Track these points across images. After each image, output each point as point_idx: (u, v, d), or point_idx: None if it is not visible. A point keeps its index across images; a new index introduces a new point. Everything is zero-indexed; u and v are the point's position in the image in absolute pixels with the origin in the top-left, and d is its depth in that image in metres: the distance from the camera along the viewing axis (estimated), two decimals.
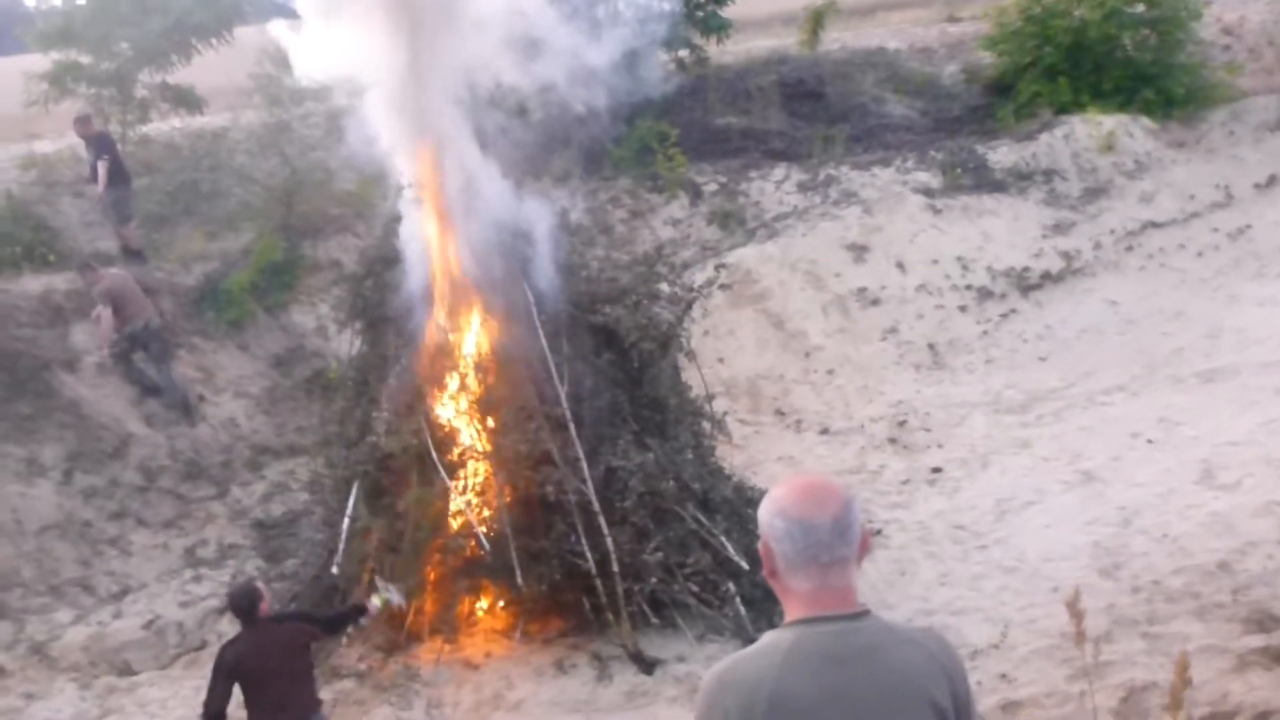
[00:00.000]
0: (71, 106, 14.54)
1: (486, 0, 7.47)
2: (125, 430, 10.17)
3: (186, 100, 15.47)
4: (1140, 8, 16.76)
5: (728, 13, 17.33)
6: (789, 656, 2.23)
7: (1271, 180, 15.61)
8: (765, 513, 2.34)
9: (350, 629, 6.63)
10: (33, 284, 11.17)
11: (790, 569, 2.29)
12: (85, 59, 15.02)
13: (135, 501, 9.72)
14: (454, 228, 7.40)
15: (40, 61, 15.21)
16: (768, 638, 2.31)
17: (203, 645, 8.01)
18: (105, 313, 10.26)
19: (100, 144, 12.35)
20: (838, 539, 2.27)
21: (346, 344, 9.45)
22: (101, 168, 12.17)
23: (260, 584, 6.10)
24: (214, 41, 15.25)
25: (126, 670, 7.82)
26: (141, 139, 15.09)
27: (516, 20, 7.63)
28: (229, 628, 8.11)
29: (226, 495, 10.02)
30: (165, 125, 15.58)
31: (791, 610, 2.31)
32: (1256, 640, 6.44)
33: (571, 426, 7.33)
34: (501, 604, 7.53)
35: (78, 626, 8.26)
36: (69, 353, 10.55)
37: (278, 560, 8.82)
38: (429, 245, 7.43)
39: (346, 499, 7.65)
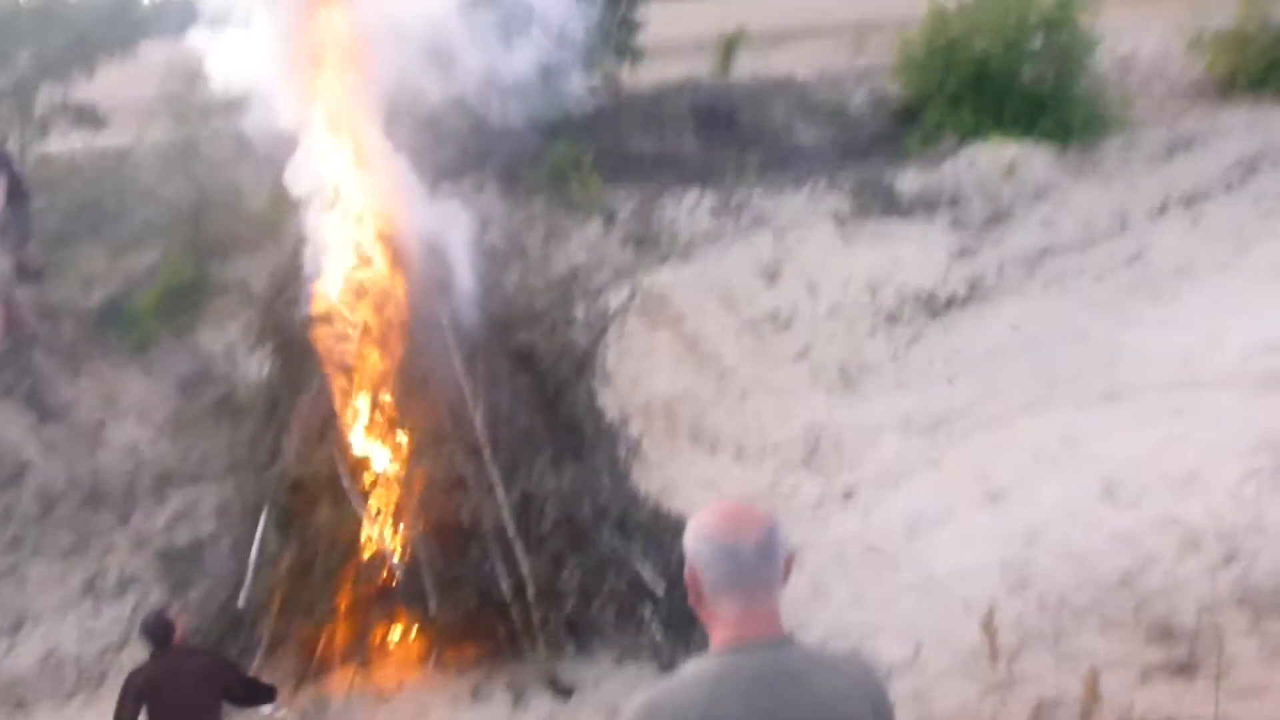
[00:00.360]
0: None
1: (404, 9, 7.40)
2: (21, 457, 9.82)
3: (88, 117, 15.05)
4: (1038, 41, 17.30)
5: (642, 39, 17.45)
6: (717, 682, 2.23)
7: (1164, 207, 16.18)
8: (690, 539, 2.35)
9: (255, 707, 6.23)
10: None
11: (715, 594, 2.30)
12: None
13: (31, 530, 9.39)
14: (372, 242, 7.29)
15: None
16: (693, 665, 2.31)
17: (102, 679, 7.75)
18: None
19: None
20: (762, 563, 2.29)
21: (255, 367, 9.29)
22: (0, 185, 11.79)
23: (176, 612, 5.96)
24: (118, 56, 14.87)
25: (21, 704, 7.54)
26: (41, 157, 14.64)
27: (432, 30, 7.58)
28: (130, 661, 7.86)
29: (128, 523, 9.70)
30: (65, 143, 15.14)
31: (717, 636, 2.32)
32: (1159, 653, 6.65)
33: (487, 450, 7.27)
34: (415, 632, 7.42)
35: None
36: None
37: (182, 590, 8.58)
38: (341, 258, 7.31)
39: (255, 526, 7.47)
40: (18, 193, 11.78)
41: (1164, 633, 6.90)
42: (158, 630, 5.63)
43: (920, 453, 10.54)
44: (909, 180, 15.38)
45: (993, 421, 11.03)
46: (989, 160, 15.90)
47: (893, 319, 13.07)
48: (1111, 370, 11.92)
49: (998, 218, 15.16)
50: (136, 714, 5.45)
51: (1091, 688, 3.40)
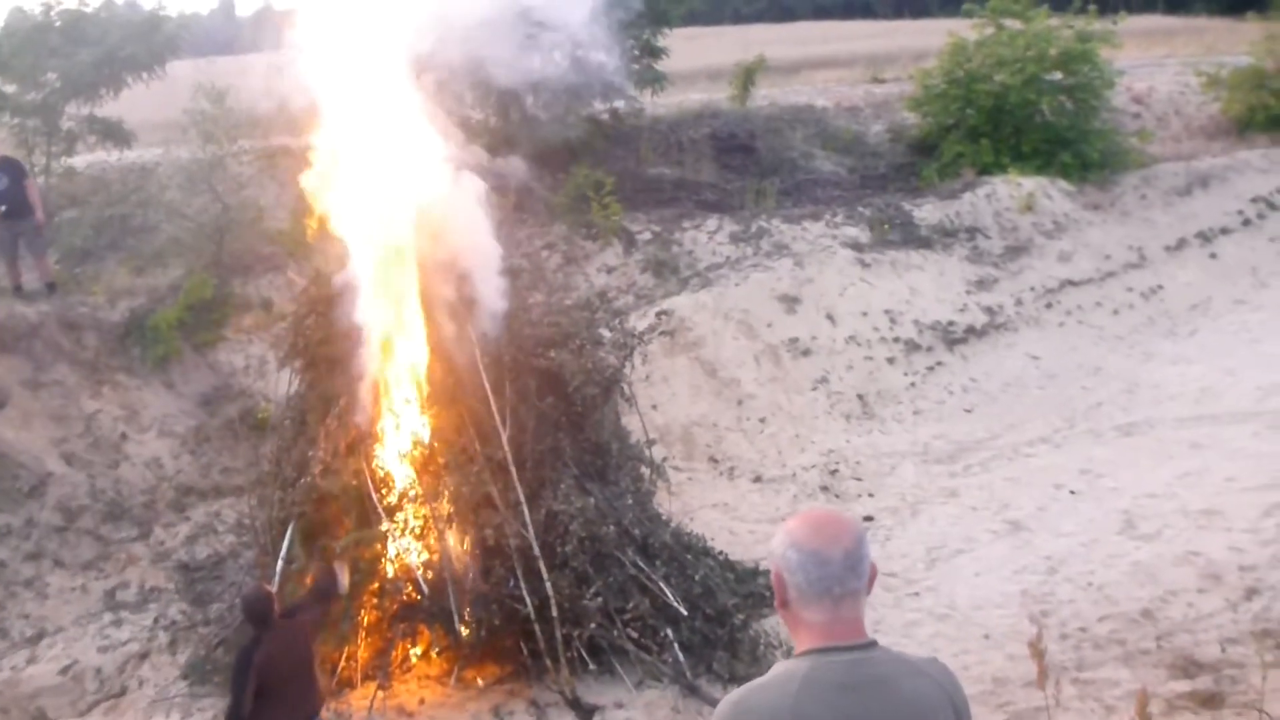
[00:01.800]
0: None
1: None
2: (44, 469, 9.86)
3: (114, 134, 15.21)
4: (1058, 75, 17.42)
5: (663, 66, 17.62)
6: (804, 685, 2.27)
7: (1181, 243, 16.27)
8: (779, 545, 2.39)
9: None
10: None
11: (803, 600, 2.33)
12: (10, 88, 14.71)
13: (53, 542, 9.41)
14: (411, 267, 7.35)
15: None
16: (781, 667, 2.34)
17: (123, 691, 7.74)
18: None
19: (15, 170, 12.10)
20: (849, 572, 2.33)
21: (278, 383, 9.32)
22: (34, 192, 12.02)
23: (267, 585, 6.32)
24: (145, 75, 15.04)
25: (41, 717, 7.53)
26: (67, 171, 14.79)
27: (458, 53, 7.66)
28: (151, 673, 7.90)
29: (149, 537, 9.73)
30: (93, 158, 15.30)
31: (802, 641, 2.35)
32: (1182, 685, 6.64)
33: (513, 470, 7.29)
34: (437, 650, 7.41)
35: None
36: None
37: (203, 604, 8.58)
38: (378, 285, 7.36)
39: (280, 540, 7.50)
40: (14, 204, 11.96)
41: (1188, 665, 6.89)
42: (261, 607, 5.85)
43: (939, 481, 10.57)
44: (927, 211, 15.46)
45: (1012, 452, 11.06)
46: (1007, 193, 15.99)
47: (911, 348, 13.11)
48: (1129, 404, 11.98)
49: (1016, 250, 15.23)
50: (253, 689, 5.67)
51: (1143, 711, 3.40)
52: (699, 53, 29.26)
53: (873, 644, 2.35)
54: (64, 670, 7.95)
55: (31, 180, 12.43)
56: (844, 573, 2.32)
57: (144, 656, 8.07)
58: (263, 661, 5.69)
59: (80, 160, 15.11)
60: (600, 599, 7.23)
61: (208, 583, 8.98)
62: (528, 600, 7.07)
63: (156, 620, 8.49)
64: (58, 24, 14.84)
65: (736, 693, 2.33)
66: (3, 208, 11.85)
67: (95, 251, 13.08)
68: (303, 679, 5.92)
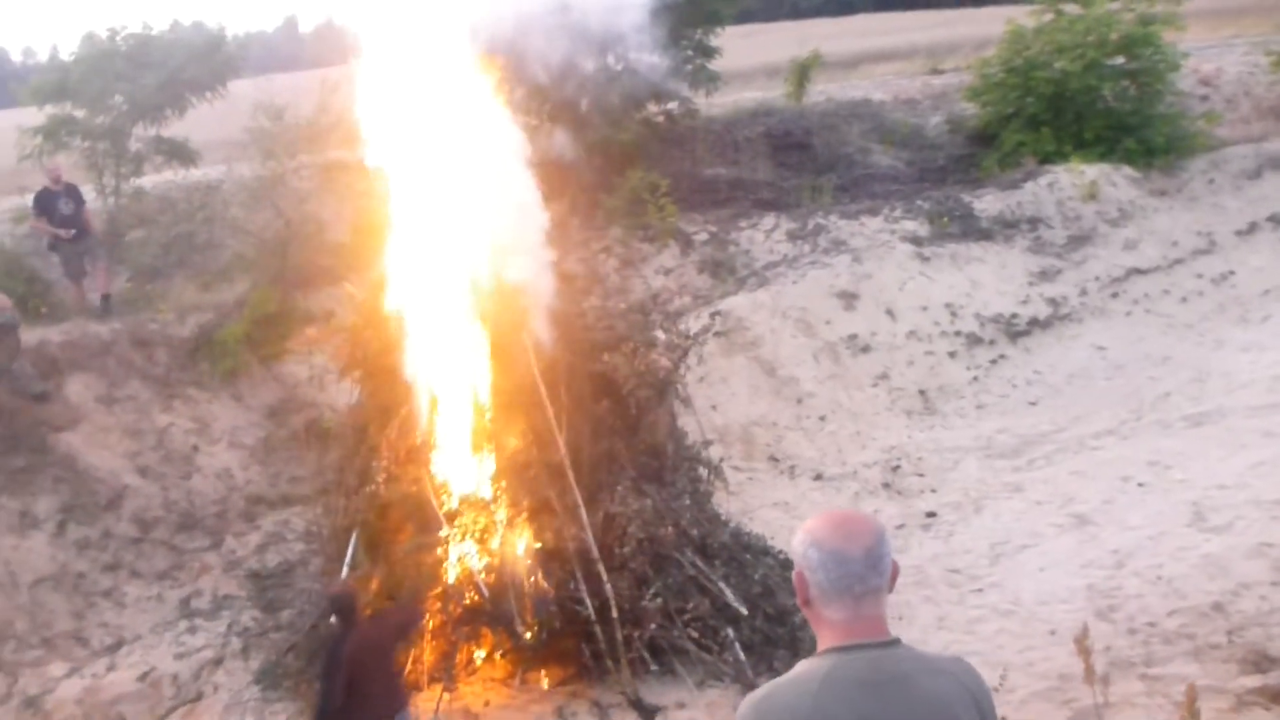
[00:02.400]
0: (64, 160, 14.66)
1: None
2: (120, 482, 10.15)
3: (180, 153, 15.60)
4: (1120, 60, 17.10)
5: (715, 65, 17.61)
6: (825, 683, 2.29)
7: (1252, 227, 15.87)
8: (800, 544, 2.41)
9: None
10: (27, 336, 11.17)
11: (824, 598, 2.35)
12: (79, 113, 15.16)
13: (129, 553, 9.68)
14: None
15: (34, 115, 15.35)
16: (802, 665, 2.37)
17: (199, 697, 7.94)
18: None
19: (77, 195, 12.70)
20: (870, 570, 2.35)
21: (342, 394, 9.50)
22: (88, 216, 12.59)
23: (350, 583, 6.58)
24: (208, 95, 15.41)
25: None
26: (135, 192, 15.19)
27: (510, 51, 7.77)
28: (225, 679, 8.10)
29: (221, 546, 9.97)
30: (159, 178, 15.70)
31: (825, 639, 2.37)
32: (1253, 680, 6.49)
33: (570, 473, 7.36)
34: (501, 652, 7.51)
35: (71, 679, 8.19)
36: (64, 404, 10.55)
37: (274, 610, 8.77)
38: (433, 296, 7.46)
39: (344, 548, 7.64)
40: (81, 226, 12.68)
41: (1260, 659, 6.74)
42: (348, 602, 6.08)
43: (1002, 476, 10.44)
44: (988, 202, 15.27)
45: (1077, 445, 10.89)
46: (1070, 182, 15.74)
47: (973, 342, 12.97)
48: (1199, 393, 11.71)
49: (1079, 240, 14.99)
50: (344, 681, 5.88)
51: (1191, 706, 3.35)
52: (756, 50, 29.16)
53: (895, 642, 2.37)
54: (142, 677, 8.17)
55: (86, 208, 13.18)
56: (865, 571, 2.34)
57: (218, 662, 8.26)
58: (351, 653, 5.87)
59: (147, 180, 15.52)
60: (660, 600, 7.27)
61: (278, 590, 9.17)
62: (588, 602, 7.13)
63: (230, 627, 8.69)
64: (123, 49, 15.27)
65: (759, 690, 2.36)
66: (74, 231, 12.37)
67: (164, 269, 13.42)
68: (387, 676, 6.14)
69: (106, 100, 15.13)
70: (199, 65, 15.27)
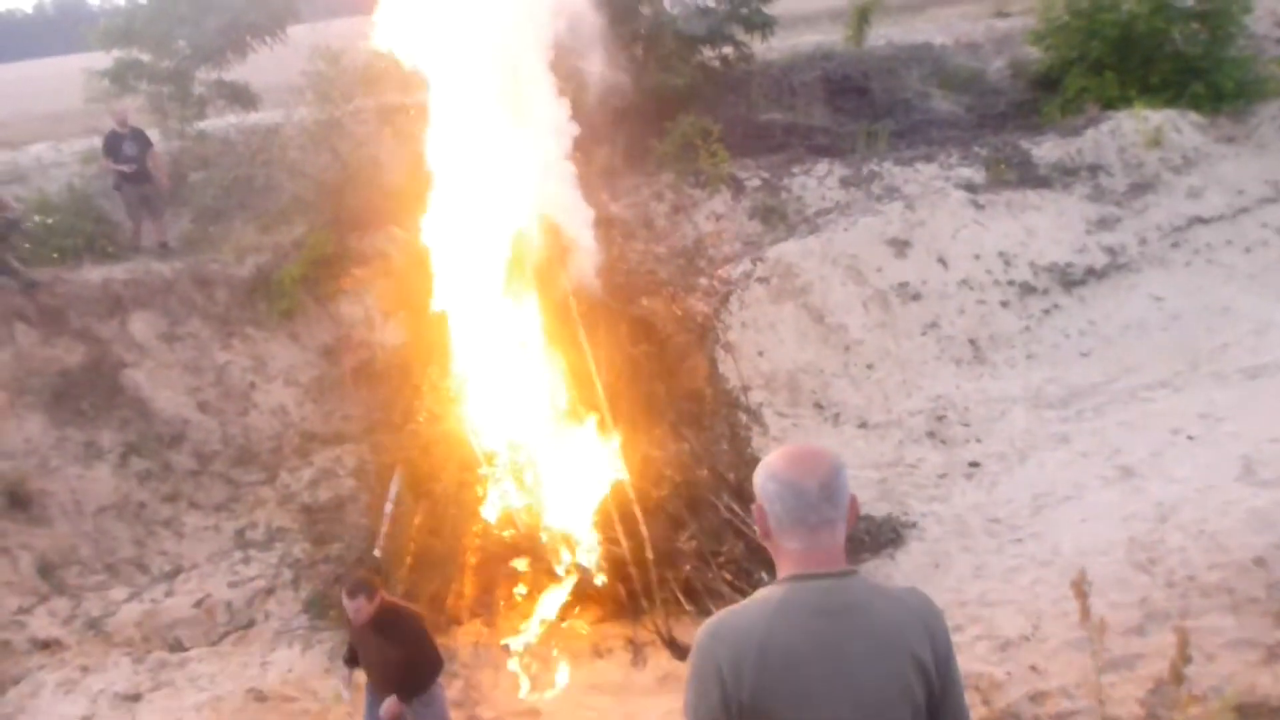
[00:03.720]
0: (130, 103, 14.95)
1: None
2: (180, 416, 10.50)
3: (242, 97, 15.85)
4: (1190, 1, 16.57)
5: (774, 9, 17.35)
6: (779, 610, 2.37)
7: None
8: (759, 477, 2.49)
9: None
10: (93, 274, 11.54)
11: (781, 529, 2.43)
12: (145, 57, 15.43)
13: (188, 485, 10.04)
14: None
15: (101, 59, 15.66)
16: (759, 593, 2.46)
17: (250, 624, 8.26)
18: None
19: (143, 140, 12.93)
20: (825, 502, 2.41)
21: (393, 334, 9.70)
22: (158, 160, 12.82)
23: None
24: (268, 40, 15.59)
25: (177, 646, 8.09)
26: (198, 134, 15.47)
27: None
28: (276, 607, 8.41)
29: (275, 480, 10.29)
30: (221, 121, 15.96)
31: (783, 568, 2.45)
32: None
33: (607, 414, 7.47)
34: (538, 589, 7.68)
35: (132, 603, 8.56)
36: (128, 341, 10.89)
37: (323, 543, 9.06)
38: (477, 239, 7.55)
39: (390, 485, 7.85)
40: (143, 169, 12.96)
41: None
42: (366, 590, 5.64)
43: (1050, 427, 10.36)
44: (1047, 149, 14.98)
45: (1128, 397, 10.75)
46: (1133, 128, 15.36)
47: (1026, 291, 12.81)
48: (1258, 345, 11.48)
49: (1141, 188, 14.66)
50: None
51: (1183, 650, 3.37)
52: None
53: (851, 573, 2.43)
54: (198, 604, 8.51)
55: (155, 151, 13.30)
56: (820, 502, 2.40)
57: (270, 592, 8.58)
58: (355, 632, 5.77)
59: (209, 124, 15.79)
60: (695, 542, 7.39)
61: (328, 523, 9.46)
62: (624, 543, 7.27)
63: (281, 558, 9.00)
64: None
65: (715, 616, 2.45)
66: (133, 166, 12.63)
67: (225, 211, 13.69)
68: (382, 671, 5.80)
69: (170, 44, 15.39)
70: (259, 10, 15.45)
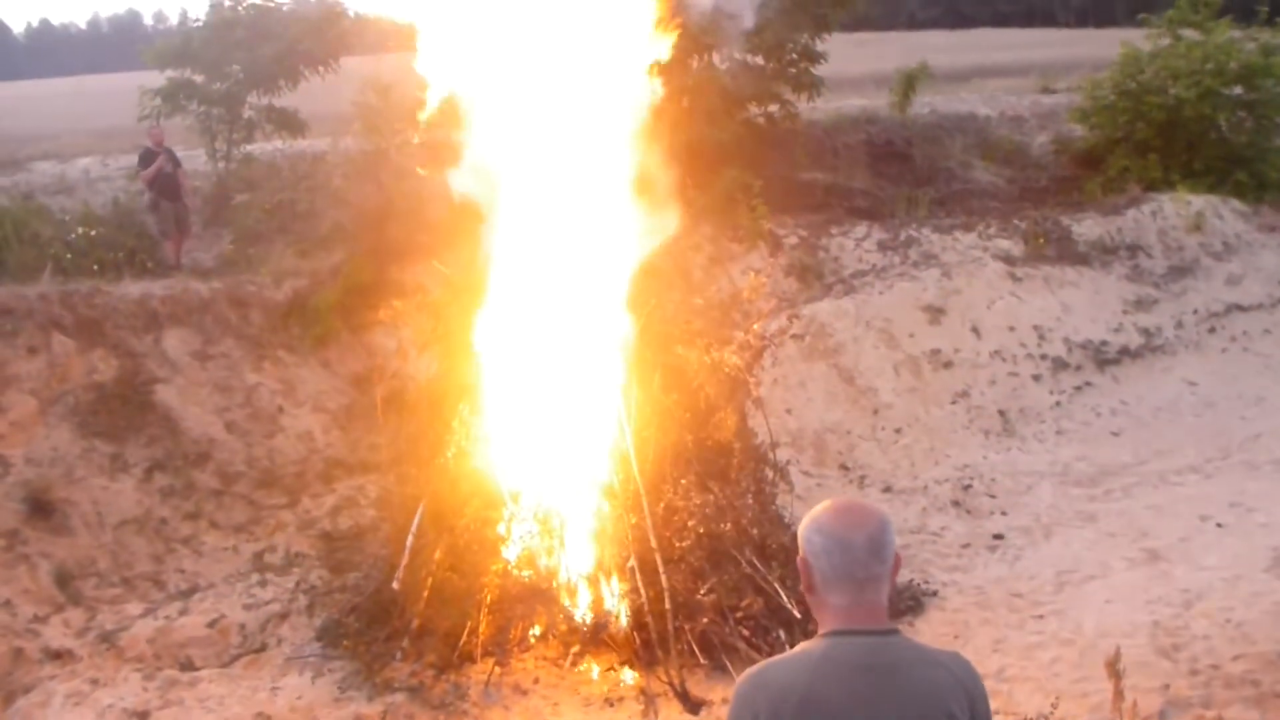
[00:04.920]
0: (180, 123, 15.22)
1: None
2: (207, 435, 10.53)
3: (290, 124, 16.09)
4: (1237, 90, 16.63)
5: (821, 71, 17.52)
6: (821, 664, 2.35)
7: None
8: (805, 530, 2.48)
9: None
10: (132, 289, 11.66)
11: (826, 584, 2.41)
12: (199, 78, 15.71)
13: (210, 504, 10.05)
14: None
15: (154, 78, 15.96)
16: (801, 646, 2.44)
17: (263, 647, 8.21)
18: None
19: (174, 158, 13.36)
20: (872, 557, 2.40)
21: (425, 367, 9.72)
22: (185, 179, 13.28)
23: None
24: (321, 69, 15.86)
25: (189, 665, 8.04)
26: (245, 157, 15.70)
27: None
28: (289, 633, 8.36)
29: (297, 505, 10.29)
30: (268, 145, 16.20)
31: (825, 623, 2.43)
32: None
33: (634, 462, 7.45)
34: (554, 632, 7.62)
35: (146, 619, 8.53)
36: (161, 357, 10.97)
37: (341, 572, 9.01)
38: (516, 277, 7.60)
39: (413, 517, 7.83)
40: (176, 190, 13.54)
41: None
42: None
43: (1077, 505, 10.26)
44: (1087, 226, 14.99)
45: (1158, 480, 10.65)
46: (1174, 211, 15.36)
47: (1059, 366, 12.75)
48: None
49: (1180, 271, 14.63)
50: None
51: (1113, 670, 3.30)
52: (869, 58, 28.95)
53: (894, 631, 2.42)
54: (211, 624, 8.48)
55: (183, 171, 13.91)
56: (867, 557, 2.39)
57: (284, 617, 8.53)
58: None
59: (257, 147, 16.02)
60: (714, 595, 7.32)
61: (347, 552, 9.41)
62: (642, 591, 7.22)
63: (298, 584, 8.96)
64: (245, 18, 15.79)
65: (756, 666, 2.43)
66: (167, 169, 13.32)
67: (265, 234, 13.85)
68: None
69: (225, 67, 15.68)
70: (315, 39, 15.73)
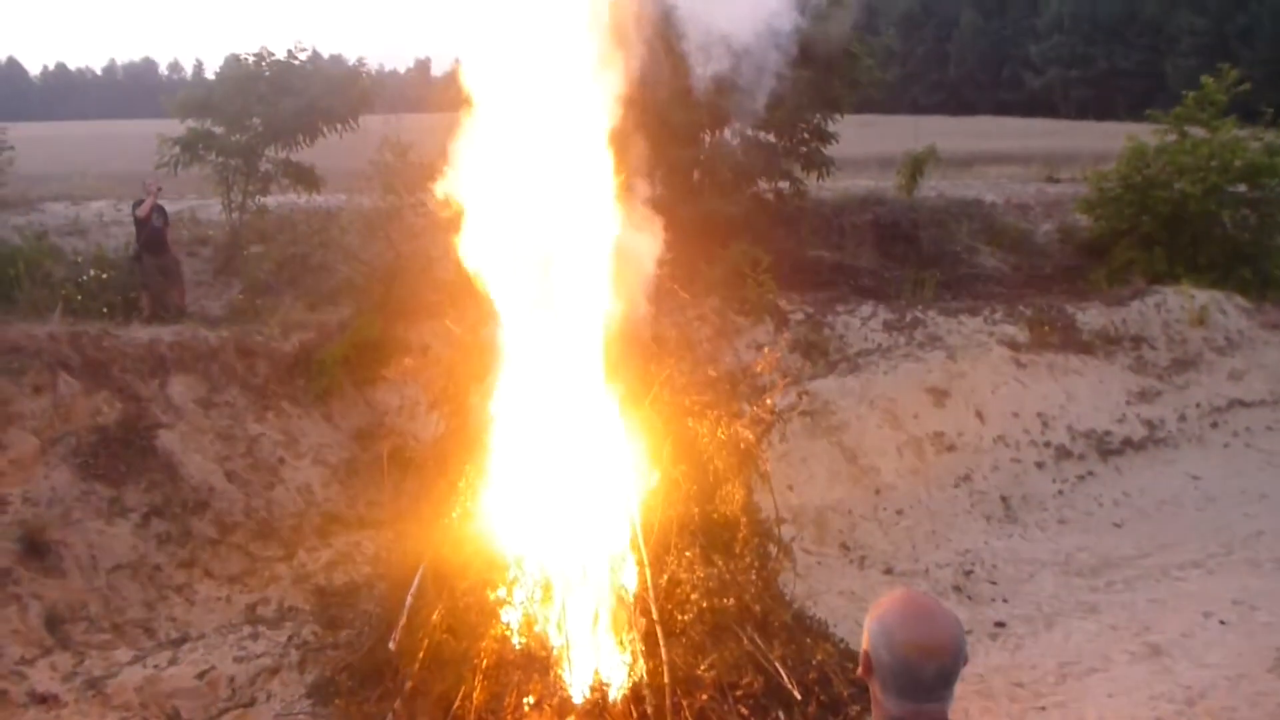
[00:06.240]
0: (198, 172, 15.35)
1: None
2: (207, 483, 10.47)
3: (306, 178, 16.24)
4: (1242, 187, 16.85)
5: (830, 151, 17.75)
6: None
7: None
8: (874, 633, 2.35)
9: None
10: (140, 333, 11.67)
11: (886, 692, 2.31)
12: (218, 129, 15.89)
13: (205, 552, 9.95)
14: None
15: (170, 125, 16.15)
16: None
17: (252, 702, 8.06)
18: None
19: (164, 214, 13.60)
20: (941, 684, 2.31)
21: (429, 426, 9.68)
22: (168, 234, 13.96)
23: None
24: (339, 126, 16.05)
25: (176, 717, 7.90)
26: (260, 209, 15.82)
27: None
28: (279, 688, 8.23)
29: (293, 558, 10.20)
30: (283, 199, 16.34)
31: (879, 714, 2.36)
32: None
33: (639, 532, 7.39)
34: (549, 702, 7.50)
35: (134, 667, 8.40)
36: (165, 403, 10.95)
37: (334, 628, 8.90)
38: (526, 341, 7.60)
39: (412, 575, 7.74)
40: (162, 244, 13.72)
41: None
42: None
43: (1079, 595, 10.18)
44: (1091, 316, 15.08)
45: (1160, 573, 10.58)
46: (1178, 304, 15.47)
47: (1062, 455, 12.74)
48: None
49: (1183, 364, 14.69)
50: None
51: None
52: (873, 140, 29.32)
53: None
54: (200, 675, 8.34)
55: (170, 226, 14.25)
56: (935, 685, 2.30)
57: (275, 671, 8.39)
58: None
59: (271, 200, 16.15)
60: (714, 672, 7.22)
61: (341, 608, 9.30)
62: (642, 664, 7.12)
63: (290, 638, 8.83)
64: (267, 74, 16.01)
65: None
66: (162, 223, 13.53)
67: (276, 286, 13.92)
68: None
69: (245, 120, 15.86)
70: (335, 97, 15.95)
